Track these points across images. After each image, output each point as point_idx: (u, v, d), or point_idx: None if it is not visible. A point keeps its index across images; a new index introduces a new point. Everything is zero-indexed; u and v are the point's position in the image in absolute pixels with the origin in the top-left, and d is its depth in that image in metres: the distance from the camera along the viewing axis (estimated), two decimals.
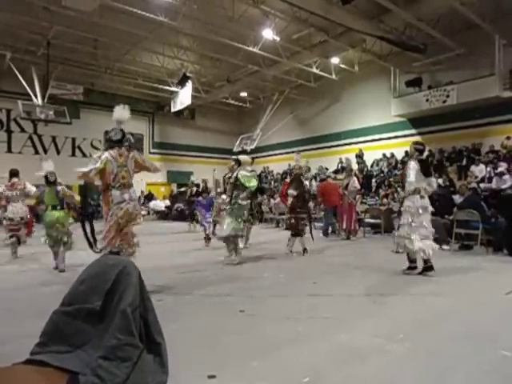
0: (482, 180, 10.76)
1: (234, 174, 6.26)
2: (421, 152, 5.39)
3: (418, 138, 14.68)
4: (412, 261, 5.30)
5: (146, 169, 4.42)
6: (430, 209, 5.22)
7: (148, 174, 4.95)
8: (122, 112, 4.32)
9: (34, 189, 7.04)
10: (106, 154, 4.04)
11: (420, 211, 5.07)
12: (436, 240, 7.77)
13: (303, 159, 8.31)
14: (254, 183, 6.18)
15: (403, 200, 5.33)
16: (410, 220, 5.09)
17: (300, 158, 7.62)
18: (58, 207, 5.78)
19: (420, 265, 5.24)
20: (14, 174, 7.05)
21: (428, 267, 5.13)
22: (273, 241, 8.94)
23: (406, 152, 14.51)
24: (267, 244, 8.56)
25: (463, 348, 2.68)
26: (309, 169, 18.19)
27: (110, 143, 4.16)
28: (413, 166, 5.13)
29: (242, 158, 6.65)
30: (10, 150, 17.53)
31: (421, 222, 5.07)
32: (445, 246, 7.60)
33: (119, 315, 1.66)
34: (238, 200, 6.12)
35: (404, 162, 14.30)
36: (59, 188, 5.84)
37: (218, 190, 8.87)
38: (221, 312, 3.59)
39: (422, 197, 5.13)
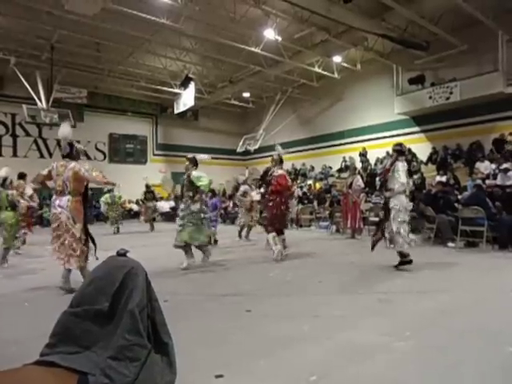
0: (487, 177, 10.71)
1: (186, 175, 6.00)
2: (403, 153, 5.62)
3: (421, 136, 14.70)
4: (405, 255, 5.44)
5: (90, 181, 4.63)
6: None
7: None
8: (63, 130, 4.75)
9: (30, 191, 7.63)
10: (53, 164, 4.69)
11: (405, 209, 5.34)
12: (441, 238, 7.85)
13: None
14: (205, 182, 5.76)
15: (388, 200, 5.44)
16: (399, 217, 5.29)
17: (279, 148, 7.17)
18: (9, 209, 6.49)
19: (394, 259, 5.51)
20: (19, 176, 7.56)
21: (410, 261, 5.37)
22: None
23: (410, 150, 14.48)
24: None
25: (470, 345, 2.67)
26: (312, 168, 18.20)
27: (62, 156, 4.72)
28: (402, 167, 5.37)
29: (199, 156, 6.56)
30: (15, 154, 17.67)
31: (405, 219, 5.34)
32: (450, 244, 7.58)
33: (127, 316, 1.68)
34: (191, 206, 5.78)
35: (408, 161, 14.25)
36: (10, 192, 6.61)
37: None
38: (227, 312, 3.61)
39: (407, 196, 5.42)
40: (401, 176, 5.29)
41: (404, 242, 5.29)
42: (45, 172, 4.68)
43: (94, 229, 5.02)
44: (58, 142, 18.57)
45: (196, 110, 21.38)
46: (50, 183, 4.83)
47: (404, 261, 5.39)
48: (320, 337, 2.87)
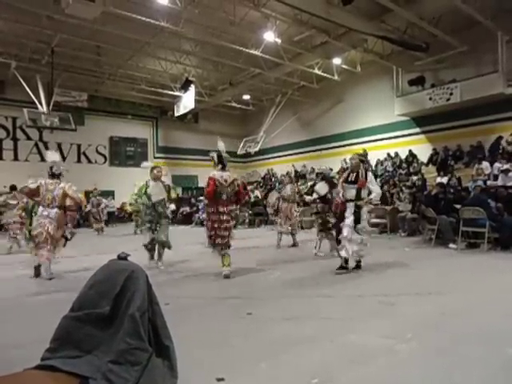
0: (488, 177, 10.70)
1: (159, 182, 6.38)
2: (364, 162, 5.94)
3: (421, 137, 14.71)
4: (347, 261, 5.63)
5: (73, 199, 5.74)
6: None
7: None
8: (54, 157, 5.96)
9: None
10: (41, 181, 5.59)
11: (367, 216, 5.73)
12: (442, 239, 7.84)
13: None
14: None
15: (360, 208, 5.49)
16: (365, 224, 5.58)
17: (220, 144, 5.77)
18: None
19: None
20: (12, 188, 8.86)
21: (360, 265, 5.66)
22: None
23: (410, 151, 14.53)
24: (272, 247, 8.55)
25: (472, 347, 2.66)
26: (312, 170, 18.18)
27: (51, 175, 5.70)
28: (373, 177, 5.66)
29: (143, 164, 6.98)
30: (16, 158, 17.71)
31: (366, 225, 5.67)
32: (451, 245, 7.57)
33: (128, 319, 1.67)
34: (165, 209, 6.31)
35: (408, 162, 14.28)
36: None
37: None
38: (228, 315, 3.60)
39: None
40: (376, 185, 5.62)
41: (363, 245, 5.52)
42: (34, 186, 5.55)
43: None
44: (59, 146, 18.66)
45: (196, 113, 21.41)
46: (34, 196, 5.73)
47: (359, 264, 5.62)
48: (321, 339, 2.86)
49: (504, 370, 2.34)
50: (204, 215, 8.11)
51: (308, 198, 7.63)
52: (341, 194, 5.81)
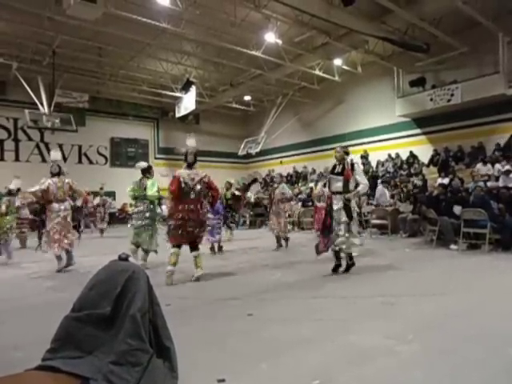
0: (489, 178, 10.68)
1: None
2: (349, 154, 5.74)
3: (422, 138, 14.71)
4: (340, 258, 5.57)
5: (76, 192, 6.48)
6: None
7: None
8: (56, 155, 6.54)
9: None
10: (49, 181, 6.10)
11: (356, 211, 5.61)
12: (444, 240, 7.82)
13: None
14: (150, 192, 6.41)
15: (349, 201, 5.37)
16: (356, 219, 5.51)
17: (190, 140, 5.67)
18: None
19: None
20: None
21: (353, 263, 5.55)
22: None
23: (411, 152, 14.53)
24: (273, 248, 8.54)
25: (474, 348, 2.65)
26: (313, 170, 18.19)
27: (51, 174, 6.18)
28: (361, 169, 5.65)
29: (138, 164, 7.26)
30: (17, 159, 17.74)
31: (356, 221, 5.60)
32: (453, 246, 7.55)
33: (129, 320, 1.67)
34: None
35: (409, 163, 14.26)
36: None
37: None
38: (229, 316, 3.60)
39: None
40: (365, 178, 5.55)
41: (356, 245, 5.45)
42: (44, 187, 5.99)
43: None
44: (60, 147, 18.61)
45: (197, 114, 21.41)
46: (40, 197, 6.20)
47: (352, 264, 5.51)
48: (322, 340, 2.86)
49: (506, 371, 2.33)
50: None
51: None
52: (326, 189, 5.81)
